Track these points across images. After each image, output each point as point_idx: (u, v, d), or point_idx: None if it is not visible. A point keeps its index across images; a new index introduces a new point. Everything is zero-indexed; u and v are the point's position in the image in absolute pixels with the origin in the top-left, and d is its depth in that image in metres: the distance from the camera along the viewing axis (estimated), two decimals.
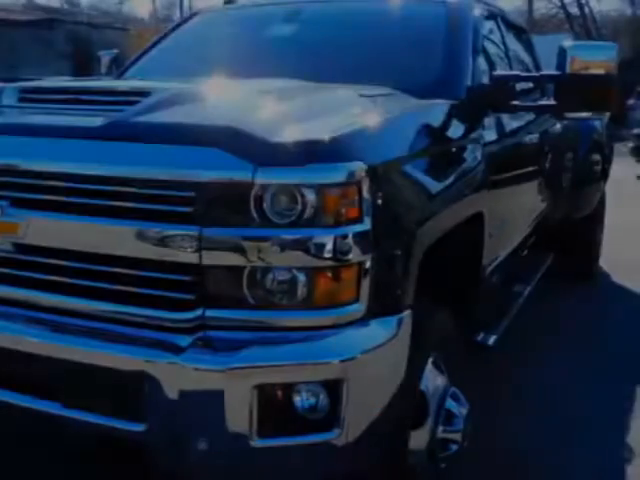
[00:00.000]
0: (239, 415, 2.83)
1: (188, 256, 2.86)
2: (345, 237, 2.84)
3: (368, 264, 2.93)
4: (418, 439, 3.45)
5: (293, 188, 2.80)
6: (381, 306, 3.03)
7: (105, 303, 3.03)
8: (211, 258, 2.85)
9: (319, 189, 2.80)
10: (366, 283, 2.94)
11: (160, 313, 2.95)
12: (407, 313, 3.15)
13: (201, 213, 2.83)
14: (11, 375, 3.20)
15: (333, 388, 2.87)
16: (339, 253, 2.84)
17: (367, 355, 2.92)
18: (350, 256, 2.86)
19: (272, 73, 4.39)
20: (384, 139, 3.24)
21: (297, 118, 3.13)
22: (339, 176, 2.83)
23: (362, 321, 2.96)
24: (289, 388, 2.89)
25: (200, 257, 2.85)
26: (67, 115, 3.37)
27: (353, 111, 3.42)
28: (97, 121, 3.11)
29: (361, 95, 3.79)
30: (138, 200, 2.92)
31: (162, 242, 2.88)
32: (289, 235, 2.82)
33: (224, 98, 3.58)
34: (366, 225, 2.89)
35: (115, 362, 2.94)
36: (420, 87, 4.27)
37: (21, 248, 3.13)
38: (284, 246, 2.82)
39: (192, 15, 6.54)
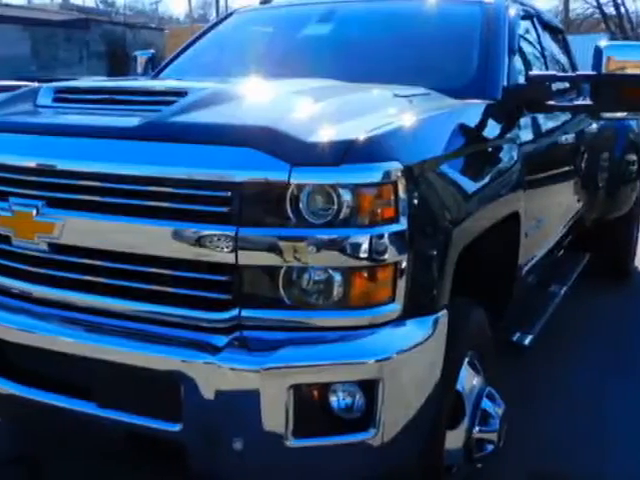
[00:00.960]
0: (275, 415, 2.83)
1: (224, 256, 2.86)
2: (381, 237, 2.83)
3: (404, 264, 2.92)
4: (454, 439, 3.44)
5: (329, 188, 2.81)
6: (417, 306, 3.02)
7: (141, 303, 3.04)
8: (247, 258, 2.85)
9: (355, 189, 2.80)
10: (402, 283, 2.93)
11: (196, 313, 2.95)
12: (443, 313, 3.14)
13: (237, 213, 2.84)
14: (46, 375, 3.22)
15: (369, 388, 2.87)
16: (375, 253, 2.83)
17: (403, 355, 2.92)
18: (386, 256, 2.86)
19: (307, 73, 4.42)
20: (420, 139, 3.23)
21: (333, 118, 3.12)
22: (375, 176, 2.83)
23: (398, 321, 2.96)
24: (325, 388, 2.89)
25: (236, 257, 2.85)
26: (103, 115, 3.39)
27: (389, 111, 3.41)
28: (134, 121, 3.12)
29: (396, 95, 3.79)
30: (174, 200, 2.92)
31: (198, 242, 2.88)
32: (325, 235, 2.82)
33: (260, 98, 3.58)
34: (402, 225, 2.89)
35: (151, 362, 2.95)
36: (456, 87, 4.28)
37: (57, 248, 3.13)
38: (320, 246, 2.81)
39: (228, 15, 6.54)
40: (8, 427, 4.57)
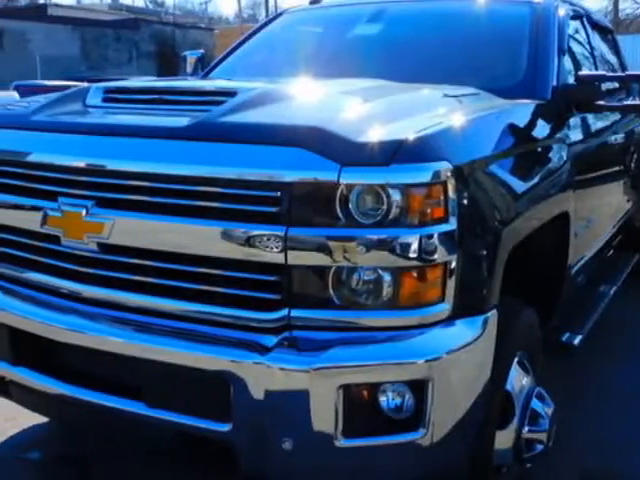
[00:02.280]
0: (324, 415, 2.84)
1: (273, 256, 2.86)
2: (430, 237, 2.83)
3: (453, 264, 2.92)
4: (504, 439, 3.43)
5: (378, 188, 2.80)
6: (467, 306, 3.01)
7: (190, 303, 3.05)
8: (296, 258, 2.85)
9: (404, 189, 2.80)
10: (451, 283, 2.93)
11: (245, 313, 2.95)
12: (493, 313, 3.13)
13: (286, 213, 2.83)
14: (95, 375, 3.25)
15: (418, 388, 2.86)
16: (424, 253, 2.83)
17: (453, 355, 2.91)
18: (435, 256, 2.85)
19: (357, 73, 4.42)
20: (469, 139, 3.22)
21: (382, 118, 3.12)
22: (425, 176, 2.83)
23: (448, 321, 2.95)
24: (374, 388, 2.89)
25: (285, 257, 2.85)
26: (152, 115, 3.41)
27: (438, 111, 3.41)
28: (183, 121, 3.13)
29: (446, 95, 3.79)
30: (223, 200, 2.93)
31: (247, 242, 2.88)
32: (374, 235, 2.82)
33: (309, 98, 3.60)
34: (452, 225, 2.88)
35: (201, 362, 2.96)
36: (505, 87, 4.28)
37: (106, 248, 3.14)
38: (369, 246, 2.81)
39: (277, 15, 6.54)
40: (56, 426, 4.63)
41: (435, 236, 2.83)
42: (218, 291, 2.99)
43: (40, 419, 4.43)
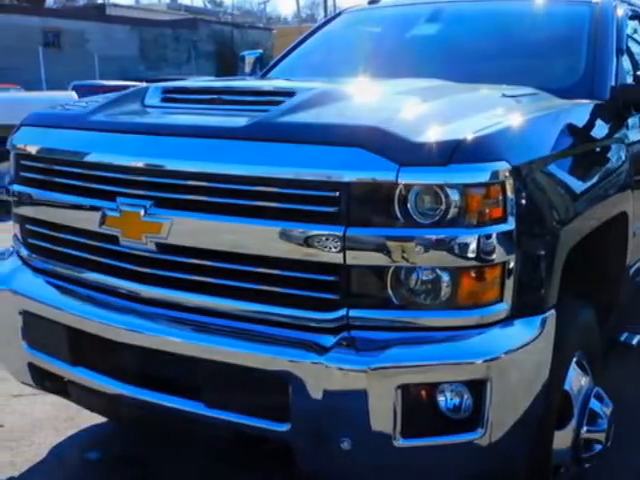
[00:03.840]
0: (383, 415, 2.83)
1: (332, 256, 2.86)
2: (489, 237, 2.82)
3: (512, 264, 2.91)
4: (562, 439, 3.41)
5: (437, 188, 2.80)
6: (525, 306, 3.00)
7: (248, 303, 3.06)
8: (355, 258, 2.85)
9: (463, 189, 2.79)
10: (510, 283, 2.92)
11: (304, 313, 2.96)
12: (551, 313, 3.11)
13: (345, 213, 2.84)
14: (154, 375, 3.27)
15: (477, 388, 2.85)
16: (483, 253, 2.82)
17: (511, 355, 2.89)
18: (494, 256, 2.85)
19: (414, 73, 4.42)
20: (528, 139, 3.21)
21: (440, 118, 3.12)
22: (483, 176, 2.83)
23: (506, 321, 2.94)
24: (433, 388, 2.88)
25: (344, 257, 2.85)
26: (211, 115, 3.43)
27: (497, 111, 3.40)
28: (242, 121, 3.14)
29: (505, 95, 3.77)
30: (282, 200, 2.93)
31: (305, 242, 2.89)
32: (433, 235, 2.81)
33: (366, 98, 3.61)
34: (510, 225, 2.87)
35: (259, 362, 2.97)
36: (564, 87, 4.25)
37: (164, 248, 3.16)
38: (428, 246, 2.81)
39: (336, 15, 6.53)
40: (115, 426, 4.67)
41: (493, 236, 2.83)
42: (276, 291, 3.00)
43: (98, 419, 4.48)
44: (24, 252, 3.74)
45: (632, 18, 5.35)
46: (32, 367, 3.64)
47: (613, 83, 4.40)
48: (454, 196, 2.79)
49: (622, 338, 4.51)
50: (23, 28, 43.44)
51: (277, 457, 3.09)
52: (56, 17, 48.57)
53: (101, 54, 43.46)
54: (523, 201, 2.94)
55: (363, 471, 3.01)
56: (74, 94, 17.27)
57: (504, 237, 2.86)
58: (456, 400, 2.89)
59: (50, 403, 4.77)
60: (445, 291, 2.86)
